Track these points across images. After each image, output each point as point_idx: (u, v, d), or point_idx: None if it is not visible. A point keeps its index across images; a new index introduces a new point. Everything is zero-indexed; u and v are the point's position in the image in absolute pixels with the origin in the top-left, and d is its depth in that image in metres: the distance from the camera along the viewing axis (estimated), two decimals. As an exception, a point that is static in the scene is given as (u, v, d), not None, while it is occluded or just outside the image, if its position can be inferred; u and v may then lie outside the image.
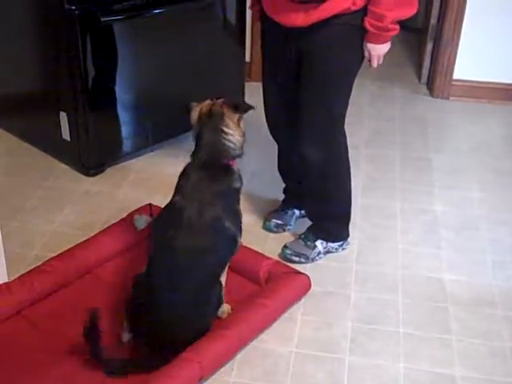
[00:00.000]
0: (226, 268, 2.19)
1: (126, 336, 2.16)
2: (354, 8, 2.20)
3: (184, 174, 2.13)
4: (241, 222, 2.17)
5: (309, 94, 2.38)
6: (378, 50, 2.29)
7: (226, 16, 3.57)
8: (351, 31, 2.26)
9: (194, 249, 2.04)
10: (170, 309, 2.03)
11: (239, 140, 2.12)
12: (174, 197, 2.12)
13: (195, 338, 2.06)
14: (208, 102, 2.14)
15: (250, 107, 2.16)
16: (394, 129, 3.82)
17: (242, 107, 2.14)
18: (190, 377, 2.00)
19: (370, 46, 2.28)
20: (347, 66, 2.36)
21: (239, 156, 2.15)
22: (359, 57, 2.35)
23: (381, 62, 2.34)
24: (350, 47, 2.31)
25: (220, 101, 2.13)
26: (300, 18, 2.23)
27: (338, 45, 2.29)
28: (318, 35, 2.26)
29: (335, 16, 2.21)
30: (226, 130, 2.09)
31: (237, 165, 2.17)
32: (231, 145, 2.10)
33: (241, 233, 2.17)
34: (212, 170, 2.10)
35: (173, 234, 2.04)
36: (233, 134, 2.10)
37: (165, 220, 2.13)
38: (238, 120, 2.13)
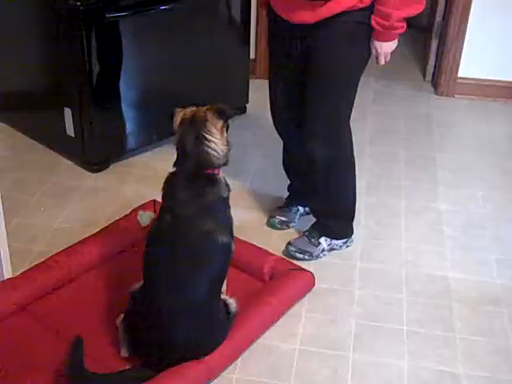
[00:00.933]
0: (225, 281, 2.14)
1: (125, 351, 2.11)
2: (361, 5, 2.20)
3: (169, 189, 2.05)
4: (232, 228, 2.10)
5: (315, 91, 2.38)
6: (385, 48, 2.29)
7: (231, 13, 3.57)
8: (358, 28, 2.26)
9: (190, 264, 1.98)
10: (172, 326, 1.97)
11: (223, 149, 2.01)
12: (163, 213, 2.04)
13: (202, 353, 2.02)
14: (192, 107, 2.04)
15: (235, 113, 2.05)
16: (398, 127, 3.82)
17: (226, 113, 2.02)
18: (196, 378, 1.99)
19: (377, 43, 2.28)
20: (353, 63, 2.36)
21: (224, 164, 2.05)
22: (366, 54, 2.35)
23: (388, 59, 2.34)
24: (356, 44, 2.30)
25: (204, 107, 2.02)
26: (307, 15, 2.23)
27: (344, 42, 2.28)
28: (324, 32, 2.26)
29: (342, 13, 2.21)
30: (208, 136, 1.98)
31: (221, 173, 2.07)
32: (214, 153, 1.99)
33: (233, 237, 2.09)
34: (197, 182, 2.01)
35: (167, 252, 1.99)
36: (216, 142, 1.99)
37: (157, 239, 2.05)
38: (222, 127, 2.02)
